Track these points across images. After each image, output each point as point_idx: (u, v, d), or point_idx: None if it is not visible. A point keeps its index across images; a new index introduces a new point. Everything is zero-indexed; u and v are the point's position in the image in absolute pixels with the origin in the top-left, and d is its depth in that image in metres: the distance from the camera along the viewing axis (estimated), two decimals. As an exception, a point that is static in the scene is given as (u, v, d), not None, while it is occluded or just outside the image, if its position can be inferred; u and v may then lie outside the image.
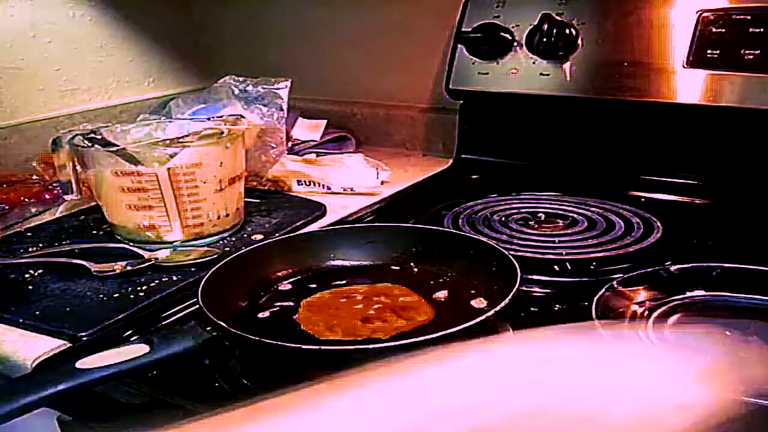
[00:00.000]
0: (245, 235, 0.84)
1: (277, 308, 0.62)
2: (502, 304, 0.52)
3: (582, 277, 0.70)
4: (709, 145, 0.91)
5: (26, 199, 0.95)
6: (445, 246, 0.68)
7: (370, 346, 0.51)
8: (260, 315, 0.61)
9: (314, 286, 0.66)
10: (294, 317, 0.60)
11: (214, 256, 0.75)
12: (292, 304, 0.63)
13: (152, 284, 0.71)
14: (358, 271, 0.68)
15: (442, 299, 0.62)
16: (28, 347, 0.61)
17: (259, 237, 0.83)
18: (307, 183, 1.00)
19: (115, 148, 0.76)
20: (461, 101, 1.09)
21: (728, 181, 0.90)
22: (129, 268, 0.73)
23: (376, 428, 0.32)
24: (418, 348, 0.50)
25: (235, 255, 0.66)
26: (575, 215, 0.84)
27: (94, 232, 0.86)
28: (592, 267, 0.71)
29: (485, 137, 1.08)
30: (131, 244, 0.79)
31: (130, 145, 0.77)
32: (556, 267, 0.71)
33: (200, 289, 0.57)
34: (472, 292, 0.62)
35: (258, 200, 0.94)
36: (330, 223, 0.86)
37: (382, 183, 1.01)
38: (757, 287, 0.62)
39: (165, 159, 0.75)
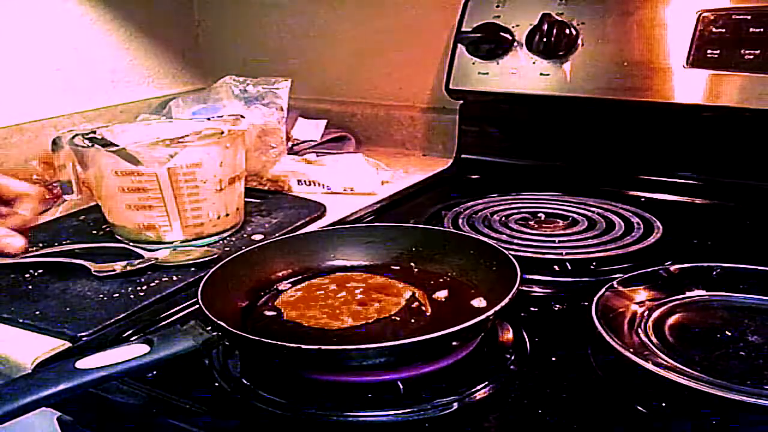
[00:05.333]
0: (245, 235, 0.84)
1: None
2: (502, 304, 0.52)
3: (582, 277, 0.70)
4: (709, 145, 0.91)
5: (26, 199, 0.95)
6: (445, 246, 0.68)
7: (370, 346, 0.51)
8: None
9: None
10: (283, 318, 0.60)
11: (214, 256, 0.75)
12: (292, 304, 0.63)
13: (152, 284, 0.71)
14: (359, 271, 0.68)
15: (442, 299, 0.62)
16: (28, 347, 0.61)
17: (259, 237, 0.83)
18: (307, 183, 1.00)
19: (115, 148, 0.76)
20: (461, 101, 1.09)
21: (728, 181, 0.90)
22: (129, 268, 0.73)
23: None
24: (419, 348, 0.50)
25: (235, 255, 0.65)
26: (575, 215, 0.84)
27: (94, 232, 0.86)
28: (592, 267, 0.71)
29: (485, 137, 1.08)
30: (131, 244, 0.79)
31: (130, 145, 0.77)
32: (556, 267, 0.71)
33: (200, 289, 0.57)
34: (472, 292, 0.62)
35: (258, 200, 0.94)
36: (330, 223, 0.86)
37: (382, 183, 1.01)
38: (757, 287, 0.62)
39: (165, 159, 0.75)
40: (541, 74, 0.97)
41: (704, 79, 0.86)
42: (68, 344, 0.61)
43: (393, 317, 0.58)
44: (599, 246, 0.74)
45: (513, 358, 0.55)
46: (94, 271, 0.73)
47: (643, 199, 0.91)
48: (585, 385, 0.52)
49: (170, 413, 0.52)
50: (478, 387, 0.51)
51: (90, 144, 0.78)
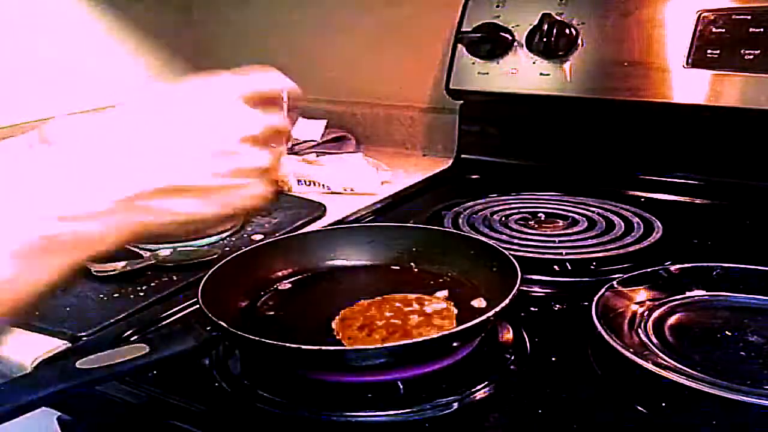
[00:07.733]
0: (245, 235, 0.84)
1: (277, 308, 0.62)
2: (503, 304, 0.52)
3: (582, 277, 0.70)
4: (709, 145, 0.91)
5: (26, 199, 0.95)
6: (445, 246, 0.68)
7: (370, 347, 0.51)
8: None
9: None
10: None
11: (214, 256, 0.75)
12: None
13: (152, 284, 0.71)
14: (359, 270, 0.68)
15: (442, 299, 0.62)
16: (28, 347, 0.61)
17: (259, 237, 0.83)
18: (307, 183, 1.00)
19: (114, 148, 0.76)
20: (461, 101, 1.09)
21: (728, 181, 0.90)
22: (129, 268, 0.73)
23: None
24: (419, 349, 0.50)
25: (235, 255, 0.65)
26: (575, 215, 0.84)
27: (94, 232, 0.86)
28: (592, 267, 0.71)
29: (485, 137, 1.08)
30: (131, 244, 0.79)
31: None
32: (556, 267, 0.71)
33: (200, 289, 0.57)
34: (473, 292, 0.62)
35: (258, 200, 0.94)
36: (330, 223, 0.86)
37: (382, 183, 1.01)
38: (757, 287, 0.62)
39: (165, 159, 0.75)
40: (541, 74, 0.97)
41: (704, 79, 0.86)
42: (68, 344, 0.61)
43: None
44: (599, 246, 0.74)
45: (513, 358, 0.55)
46: (94, 271, 0.72)
47: (643, 199, 0.91)
48: (585, 385, 0.52)
49: (170, 413, 0.52)
50: (478, 387, 0.51)
51: (90, 144, 0.78)
